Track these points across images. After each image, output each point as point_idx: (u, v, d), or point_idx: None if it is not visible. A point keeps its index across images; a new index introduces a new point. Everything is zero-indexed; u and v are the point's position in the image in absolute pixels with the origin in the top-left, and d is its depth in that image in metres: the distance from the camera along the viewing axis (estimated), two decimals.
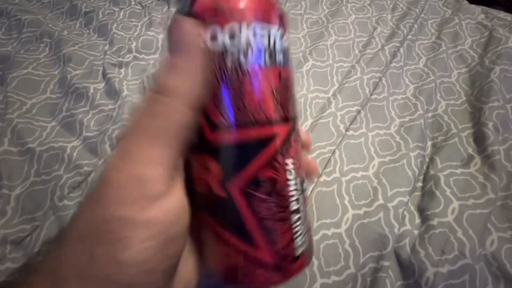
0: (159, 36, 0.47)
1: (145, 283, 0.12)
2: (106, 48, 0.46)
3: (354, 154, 0.34)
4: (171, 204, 0.13)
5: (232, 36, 0.14)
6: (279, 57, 0.15)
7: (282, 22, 0.16)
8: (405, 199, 0.31)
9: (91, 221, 0.12)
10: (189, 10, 0.14)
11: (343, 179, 0.32)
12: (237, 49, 0.14)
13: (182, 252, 0.15)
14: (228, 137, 0.14)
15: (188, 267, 0.16)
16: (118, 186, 0.12)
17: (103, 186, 0.13)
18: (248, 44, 0.14)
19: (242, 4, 0.14)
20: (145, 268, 0.12)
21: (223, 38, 0.14)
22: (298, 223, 0.16)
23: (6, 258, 0.28)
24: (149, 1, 0.55)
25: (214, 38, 0.14)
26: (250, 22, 0.14)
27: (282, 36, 0.16)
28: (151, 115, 0.13)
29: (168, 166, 0.13)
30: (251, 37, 0.14)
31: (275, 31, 0.15)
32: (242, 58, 0.14)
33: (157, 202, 0.13)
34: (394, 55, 0.45)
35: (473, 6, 0.54)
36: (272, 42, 0.15)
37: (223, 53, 0.14)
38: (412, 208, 0.31)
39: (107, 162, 0.14)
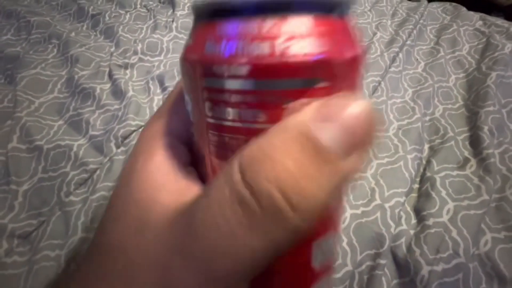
0: (164, 39, 0.49)
1: None
2: (112, 49, 0.47)
3: None
4: None
5: None
6: None
7: None
8: (402, 200, 0.31)
9: None
10: None
11: None
12: None
13: None
14: None
15: None
16: None
17: None
18: None
19: None
20: None
21: None
22: None
23: (13, 252, 0.29)
24: (154, 5, 0.56)
25: None
26: None
27: None
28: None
29: None
30: None
31: None
32: None
33: None
34: (393, 60, 0.46)
35: (471, 13, 0.55)
36: None
37: None
38: (408, 208, 0.32)
39: None
